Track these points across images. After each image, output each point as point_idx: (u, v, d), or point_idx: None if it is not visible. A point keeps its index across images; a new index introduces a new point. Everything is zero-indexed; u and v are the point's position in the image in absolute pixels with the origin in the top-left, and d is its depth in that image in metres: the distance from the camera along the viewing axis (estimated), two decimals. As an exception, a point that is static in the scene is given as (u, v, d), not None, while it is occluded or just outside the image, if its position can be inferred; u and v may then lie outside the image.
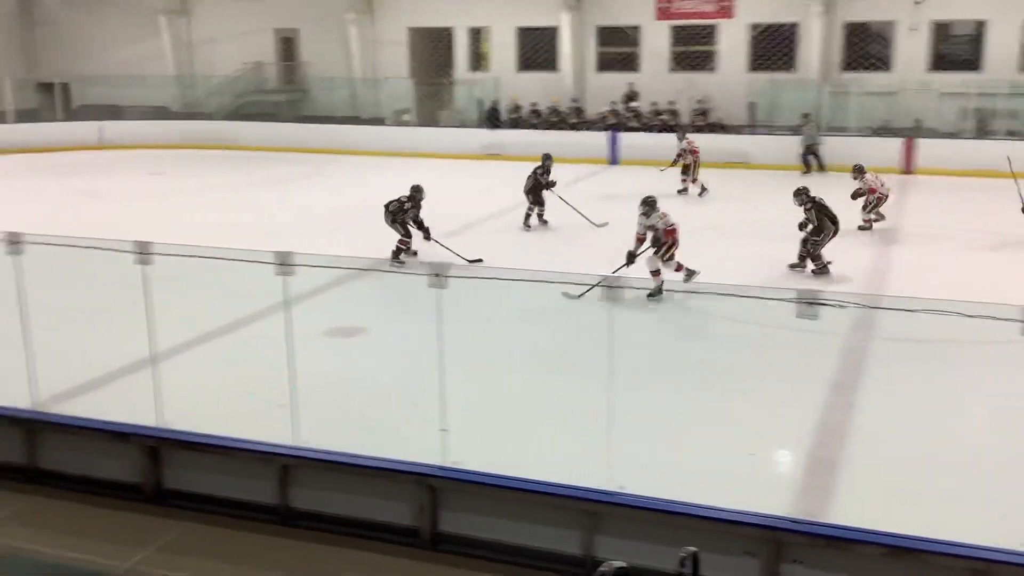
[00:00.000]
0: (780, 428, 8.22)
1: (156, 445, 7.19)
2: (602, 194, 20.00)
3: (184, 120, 30.46)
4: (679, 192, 19.61)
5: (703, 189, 19.86)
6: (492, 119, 27.50)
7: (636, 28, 27.50)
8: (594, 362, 6.97)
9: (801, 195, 13.14)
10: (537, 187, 16.69)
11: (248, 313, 10.75)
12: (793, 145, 23.25)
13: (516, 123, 27.38)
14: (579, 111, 27.11)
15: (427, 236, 13.74)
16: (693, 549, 4.25)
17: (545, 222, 16.91)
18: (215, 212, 18.07)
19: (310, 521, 6.89)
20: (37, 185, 22.44)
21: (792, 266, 13.25)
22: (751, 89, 25.88)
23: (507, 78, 28.42)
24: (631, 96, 26.75)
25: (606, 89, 27.15)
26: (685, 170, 20.00)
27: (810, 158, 23.03)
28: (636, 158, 24.49)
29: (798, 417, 8.33)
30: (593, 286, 11.31)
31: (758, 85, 25.86)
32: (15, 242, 7.57)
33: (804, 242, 13.08)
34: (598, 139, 25.46)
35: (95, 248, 8.09)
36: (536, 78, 28.22)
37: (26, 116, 30.35)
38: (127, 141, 28.64)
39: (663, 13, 27.13)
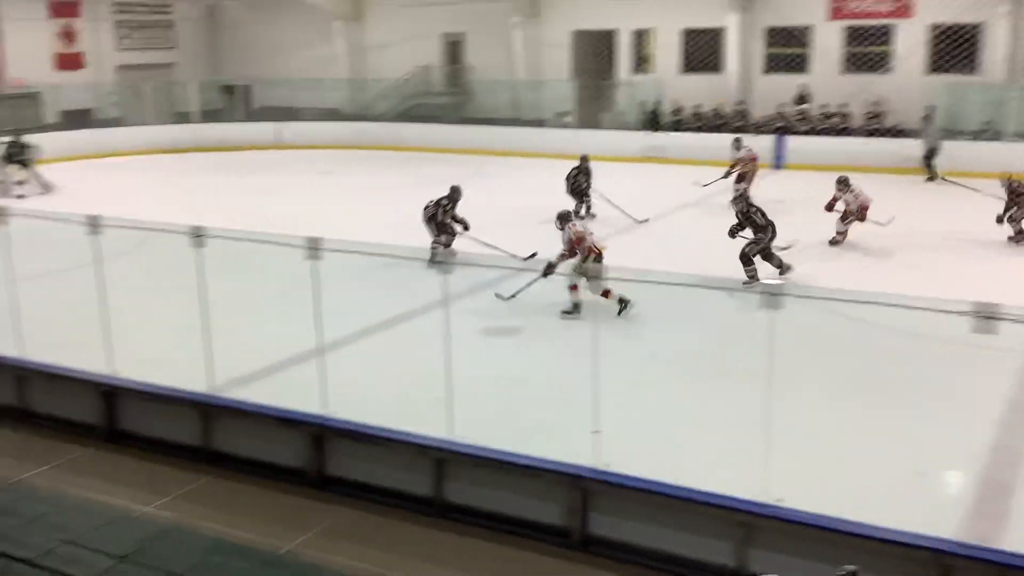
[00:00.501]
0: (950, 447, 7.79)
1: (320, 433, 7.49)
2: (764, 199, 19.48)
3: (354, 121, 31.57)
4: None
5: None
6: (653, 121, 27.25)
7: (807, 28, 26.66)
8: (752, 369, 6.80)
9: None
10: (576, 187, 17.66)
11: (409, 309, 11.03)
12: (973, 151, 21.97)
13: (678, 126, 27.03)
14: (744, 114, 26.50)
15: (466, 227, 14.09)
16: (853, 568, 4.07)
17: (593, 216, 17.38)
18: (378, 210, 18.63)
19: (462, 515, 7.01)
20: (218, 182, 23.75)
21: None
22: (929, 92, 24.63)
23: (670, 80, 28.08)
24: (803, 98, 25.91)
25: (773, 91, 26.43)
26: (740, 179, 19.01)
27: (933, 162, 21.65)
28: (803, 163, 23.74)
29: (970, 436, 7.86)
30: (524, 287, 11.37)
31: (937, 87, 24.58)
32: (198, 235, 8.03)
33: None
34: (763, 143, 24.82)
35: (269, 243, 8.49)
36: (700, 80, 27.77)
37: (210, 116, 32.18)
38: (301, 141, 29.93)
39: (837, 13, 26.19)
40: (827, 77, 26.19)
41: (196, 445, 8.11)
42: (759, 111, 26.32)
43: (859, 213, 15.08)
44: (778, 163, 24.56)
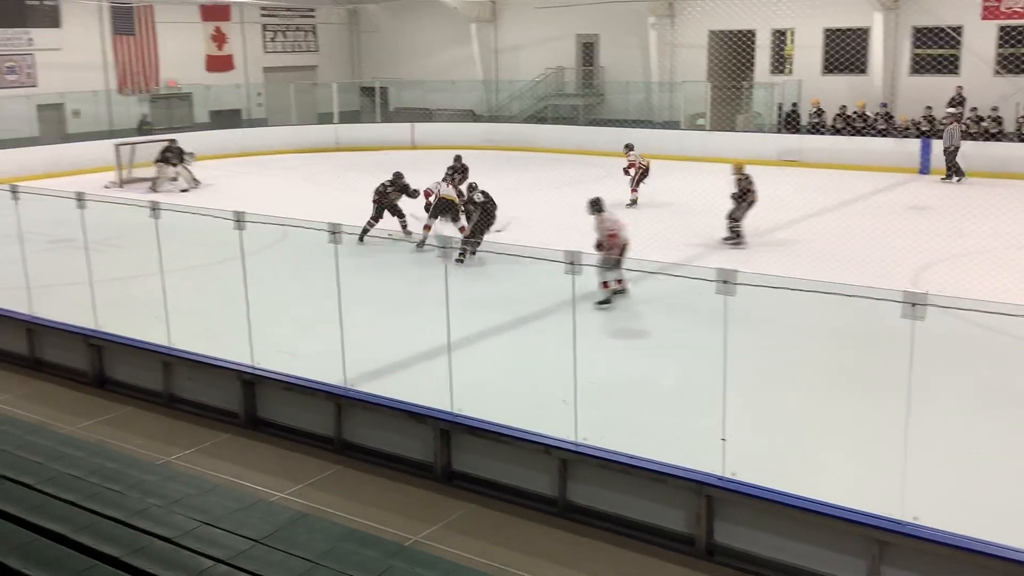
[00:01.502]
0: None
1: (448, 429, 7.60)
2: (908, 204, 18.77)
3: (487, 123, 31.95)
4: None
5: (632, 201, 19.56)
6: (791, 124, 26.55)
7: (958, 28, 25.48)
8: (888, 379, 6.55)
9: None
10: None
11: (537, 309, 11.09)
12: None
13: (817, 128, 26.25)
14: (888, 116, 25.53)
15: (403, 223, 15.24)
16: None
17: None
18: (507, 211, 18.77)
19: (584, 516, 7.00)
20: (355, 180, 24.39)
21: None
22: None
23: (810, 81, 27.32)
24: (958, 100, 24.70)
25: (920, 93, 25.37)
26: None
27: (953, 163, 21.89)
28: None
29: None
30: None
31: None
32: (335, 232, 8.25)
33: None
34: (908, 146, 23.86)
35: (402, 240, 8.68)
36: (842, 81, 26.91)
37: (348, 117, 33.11)
38: (435, 142, 30.45)
39: (990, 12, 24.93)
40: (979, 79, 24.98)
41: (329, 435, 8.36)
42: (904, 114, 25.31)
43: None
44: (923, 168, 23.56)
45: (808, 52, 27.73)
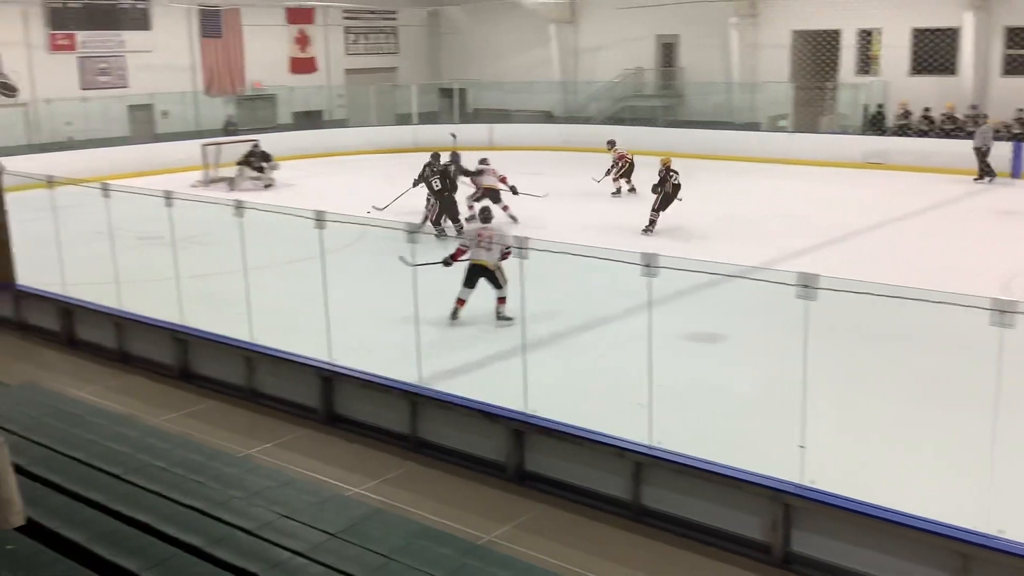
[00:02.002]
0: None
1: (521, 429, 7.62)
2: (998, 209, 18.18)
3: (565, 124, 31.91)
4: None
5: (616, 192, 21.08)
6: (877, 125, 25.95)
7: (1053, 27, 24.62)
8: (975, 388, 6.36)
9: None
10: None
11: (612, 311, 11.04)
12: None
13: (904, 130, 25.60)
14: (978, 119, 24.77)
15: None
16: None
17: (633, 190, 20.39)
18: (584, 212, 18.75)
19: (658, 520, 6.95)
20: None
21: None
22: None
23: (897, 82, 26.66)
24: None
25: (1012, 95, 24.55)
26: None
27: (984, 163, 22.15)
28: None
29: None
30: (434, 263, 10.56)
31: None
32: (412, 232, 8.37)
33: None
34: (1000, 150, 23.12)
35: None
36: (930, 82, 26.19)
37: (427, 118, 33.42)
38: (513, 143, 30.53)
39: (1088, 9, 24.03)
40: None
41: (404, 432, 8.45)
42: (996, 116, 24.52)
43: None
44: (1016, 171, 22.81)
45: (895, 52, 27.05)
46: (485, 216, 11.60)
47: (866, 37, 27.83)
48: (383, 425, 8.66)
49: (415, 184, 17.60)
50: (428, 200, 16.27)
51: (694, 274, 11.58)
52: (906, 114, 25.72)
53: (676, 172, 16.76)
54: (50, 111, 27.35)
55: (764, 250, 14.22)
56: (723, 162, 26.36)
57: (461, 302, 11.09)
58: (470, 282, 11.14)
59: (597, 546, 6.70)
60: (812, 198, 18.57)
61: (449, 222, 15.83)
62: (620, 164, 21.19)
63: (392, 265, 9.40)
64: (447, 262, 10.99)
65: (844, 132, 26.76)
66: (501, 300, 11.10)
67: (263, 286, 10.74)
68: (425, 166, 17.57)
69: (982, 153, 22.13)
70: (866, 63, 27.99)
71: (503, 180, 17.53)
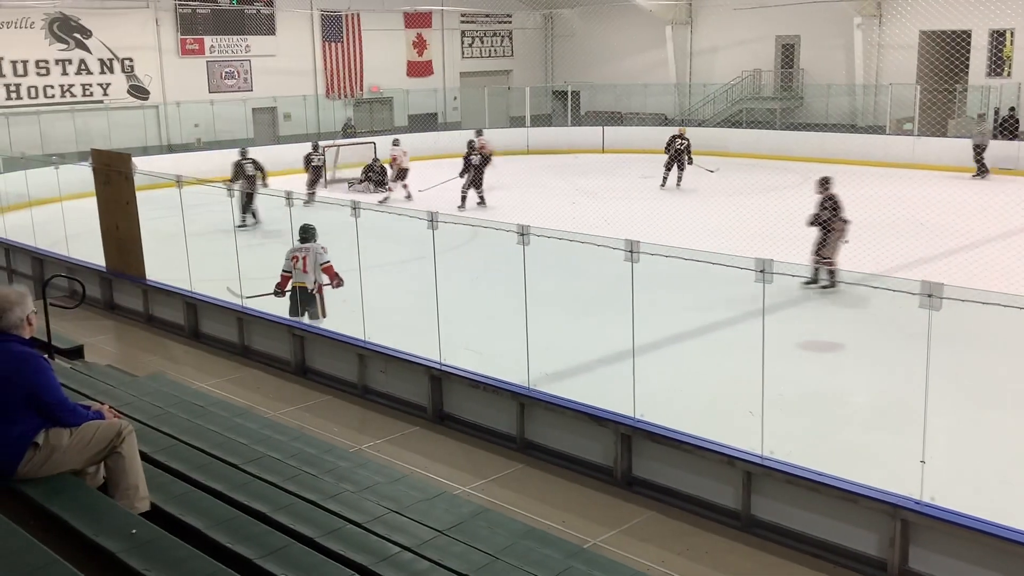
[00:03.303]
0: None
1: (630, 434, 7.57)
2: None
3: (679, 127, 31.57)
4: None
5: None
6: (1009, 129, 24.80)
7: None
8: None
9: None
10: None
11: (723, 317, 10.87)
12: None
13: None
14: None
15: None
16: None
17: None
18: (698, 216, 18.49)
19: (769, 532, 6.80)
20: (546, 183, 24.69)
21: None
22: None
23: (1031, 84, 25.49)
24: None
25: None
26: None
27: (981, 160, 23.44)
28: None
29: None
30: (265, 294, 10.56)
31: None
32: (523, 233, 8.39)
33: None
34: None
35: (589, 243, 8.67)
36: (1067, 84, 24.97)
37: (540, 121, 33.55)
38: (626, 146, 30.38)
39: None
40: None
41: (512, 433, 8.49)
42: None
43: None
44: None
45: (1029, 53, 25.88)
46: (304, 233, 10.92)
47: (998, 38, 26.66)
48: (491, 425, 8.72)
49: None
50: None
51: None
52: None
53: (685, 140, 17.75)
54: (179, 113, 28.54)
55: (885, 257, 13.75)
56: (844, 166, 25.61)
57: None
58: (294, 309, 10.81)
59: (705, 556, 6.60)
60: (937, 204, 17.86)
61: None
62: (474, 156, 22.10)
63: (502, 267, 9.44)
64: (277, 293, 10.78)
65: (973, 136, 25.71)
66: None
67: (377, 285, 10.95)
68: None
69: (979, 151, 23.61)
70: (998, 65, 26.81)
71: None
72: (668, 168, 23.66)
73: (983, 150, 23.77)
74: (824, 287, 12.63)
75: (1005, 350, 9.95)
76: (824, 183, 13.51)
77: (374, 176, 24.27)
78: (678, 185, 23.47)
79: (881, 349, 10.14)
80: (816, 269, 12.59)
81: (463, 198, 21.17)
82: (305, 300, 10.78)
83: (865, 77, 28.71)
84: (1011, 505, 6.41)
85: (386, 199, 22.29)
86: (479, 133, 24.42)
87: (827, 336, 10.76)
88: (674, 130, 24.79)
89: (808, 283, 12.45)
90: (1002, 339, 9.99)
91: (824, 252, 12.77)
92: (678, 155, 23.48)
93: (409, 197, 22.57)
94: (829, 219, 13.07)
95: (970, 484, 6.82)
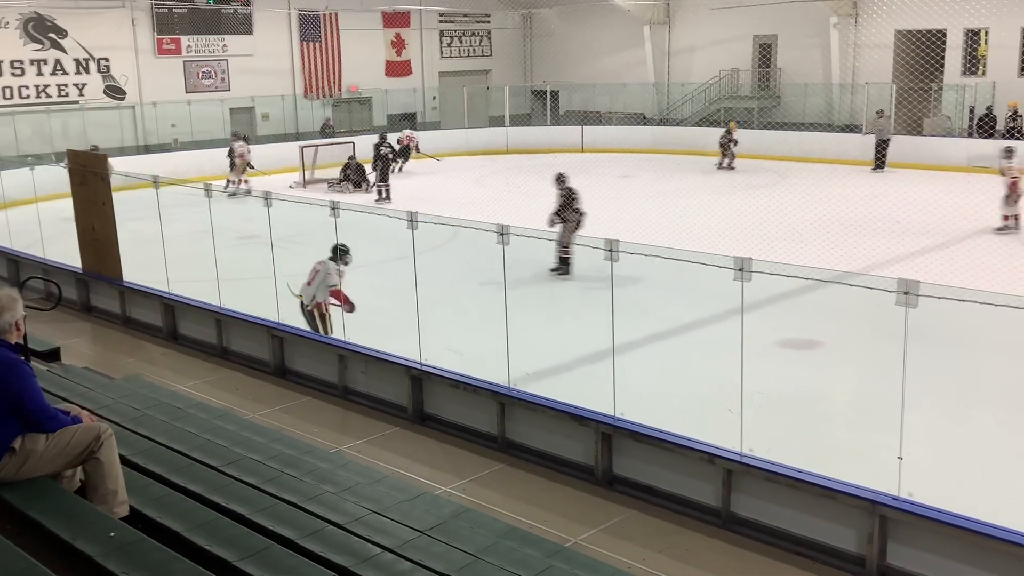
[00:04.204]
0: None
1: (610, 432, 7.58)
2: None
3: (656, 126, 31.68)
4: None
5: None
6: (985, 128, 25.04)
7: None
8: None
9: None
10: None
11: (702, 316, 10.91)
12: None
13: (1013, 133, 24.64)
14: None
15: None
16: None
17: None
18: (674, 215, 18.55)
19: (748, 529, 6.84)
20: (524, 183, 24.68)
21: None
22: None
23: (1005, 83, 25.70)
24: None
25: None
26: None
27: (881, 155, 25.05)
28: None
29: None
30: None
31: None
32: (503, 233, 8.39)
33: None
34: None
35: (570, 243, 8.70)
36: (1041, 83, 25.22)
37: (518, 120, 33.56)
38: (605, 145, 30.44)
39: None
40: None
41: (493, 433, 8.49)
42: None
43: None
44: None
45: (1003, 53, 26.11)
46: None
47: (973, 37, 26.91)
48: (472, 425, 8.71)
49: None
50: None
51: (789, 279, 11.39)
52: (1015, 116, 24.77)
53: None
54: (156, 113, 28.35)
55: (862, 255, 13.86)
56: (821, 164, 25.82)
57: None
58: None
59: (686, 553, 6.62)
60: (913, 202, 18.02)
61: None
62: (384, 147, 23.70)
63: (482, 266, 9.45)
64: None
65: (949, 134, 25.93)
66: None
67: (356, 286, 10.93)
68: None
69: (881, 144, 24.94)
70: (973, 64, 27.06)
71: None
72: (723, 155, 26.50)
73: (886, 145, 25.13)
74: (561, 272, 14.25)
75: (982, 347, 10.04)
76: (560, 179, 14.99)
77: (352, 176, 24.22)
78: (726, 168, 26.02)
79: (859, 347, 10.22)
80: (560, 258, 14.22)
81: (379, 191, 22.59)
82: (305, 315, 10.72)
83: (842, 76, 28.91)
84: (988, 501, 6.47)
85: (382, 196, 22.47)
86: (413, 128, 25.83)
87: (805, 334, 10.82)
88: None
89: (554, 270, 14.25)
90: (979, 336, 10.09)
91: (563, 241, 14.08)
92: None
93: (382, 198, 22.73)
94: (563, 210, 14.50)
95: (948, 480, 6.89)
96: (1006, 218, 16.72)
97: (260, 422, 8.20)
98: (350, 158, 24.76)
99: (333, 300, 10.51)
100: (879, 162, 25.19)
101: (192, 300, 11.76)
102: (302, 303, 10.67)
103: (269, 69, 30.91)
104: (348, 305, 10.34)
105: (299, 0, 31.44)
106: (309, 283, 10.65)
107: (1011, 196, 16.71)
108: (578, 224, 14.27)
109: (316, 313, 10.64)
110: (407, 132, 28.43)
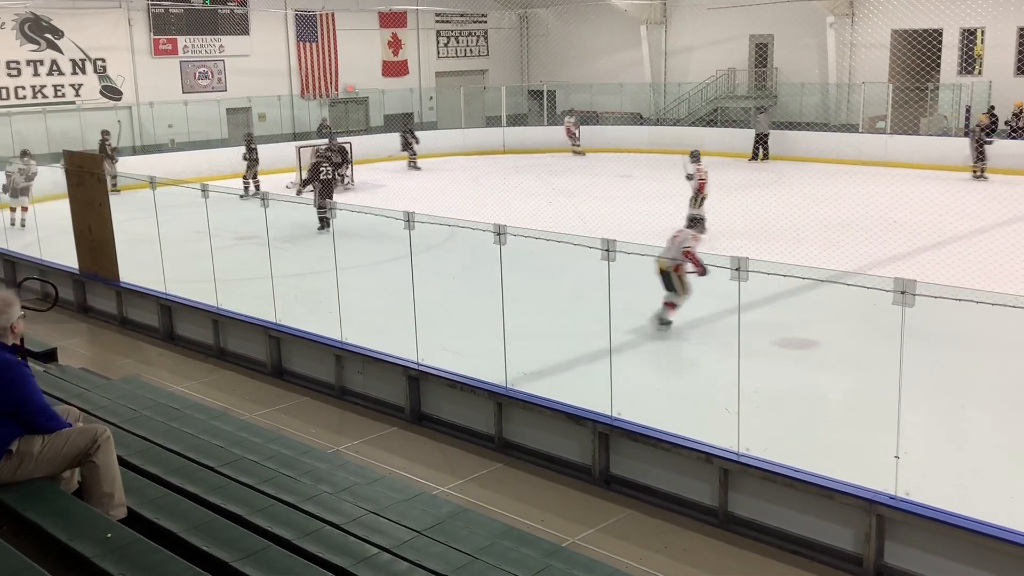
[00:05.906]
0: None
1: (607, 432, 7.58)
2: None
3: (654, 126, 31.68)
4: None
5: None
6: (984, 128, 25.03)
7: None
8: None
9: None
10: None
11: (700, 315, 10.91)
12: None
13: (1013, 133, 24.64)
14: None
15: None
16: None
17: None
18: (673, 215, 18.54)
19: (746, 528, 6.84)
20: (522, 183, 24.69)
21: None
22: None
23: (1001, 83, 25.72)
24: None
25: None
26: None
27: (759, 147, 27.54)
28: None
29: None
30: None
31: None
32: (500, 233, 8.38)
33: None
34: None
35: (565, 243, 8.68)
36: (1037, 82, 25.24)
37: (516, 120, 33.55)
38: (602, 145, 30.43)
39: None
40: None
41: (490, 433, 8.49)
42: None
43: None
44: None
45: (999, 52, 26.14)
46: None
47: (969, 37, 26.94)
48: (469, 425, 8.71)
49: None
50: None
51: (786, 278, 11.41)
52: (1017, 115, 24.76)
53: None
54: (153, 113, 28.31)
55: (858, 255, 13.86)
56: (816, 164, 25.83)
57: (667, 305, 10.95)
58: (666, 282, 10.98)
59: (684, 553, 6.63)
60: (910, 202, 18.02)
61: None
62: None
63: (479, 266, 9.45)
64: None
65: (946, 134, 25.95)
66: (668, 305, 10.88)
67: (353, 286, 10.92)
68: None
69: (762, 137, 26.98)
70: (969, 63, 27.10)
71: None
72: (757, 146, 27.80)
73: (765, 138, 27.50)
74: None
75: (979, 346, 10.05)
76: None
77: (323, 162, 24.09)
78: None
79: (856, 346, 10.22)
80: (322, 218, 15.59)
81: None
82: (661, 276, 10.91)
83: (838, 76, 28.92)
84: (985, 500, 6.47)
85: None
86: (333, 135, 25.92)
87: (802, 333, 10.82)
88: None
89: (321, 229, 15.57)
90: (976, 335, 10.09)
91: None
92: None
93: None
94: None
95: (945, 479, 6.89)
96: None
97: (257, 423, 8.19)
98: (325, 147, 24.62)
99: (687, 265, 10.64)
100: (756, 154, 27.56)
101: (189, 301, 11.75)
102: (662, 270, 10.83)
103: (265, 69, 30.88)
104: (700, 268, 10.38)
105: (295, 0, 31.42)
106: (668, 248, 10.83)
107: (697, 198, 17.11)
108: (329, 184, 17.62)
109: (675, 275, 10.79)
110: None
